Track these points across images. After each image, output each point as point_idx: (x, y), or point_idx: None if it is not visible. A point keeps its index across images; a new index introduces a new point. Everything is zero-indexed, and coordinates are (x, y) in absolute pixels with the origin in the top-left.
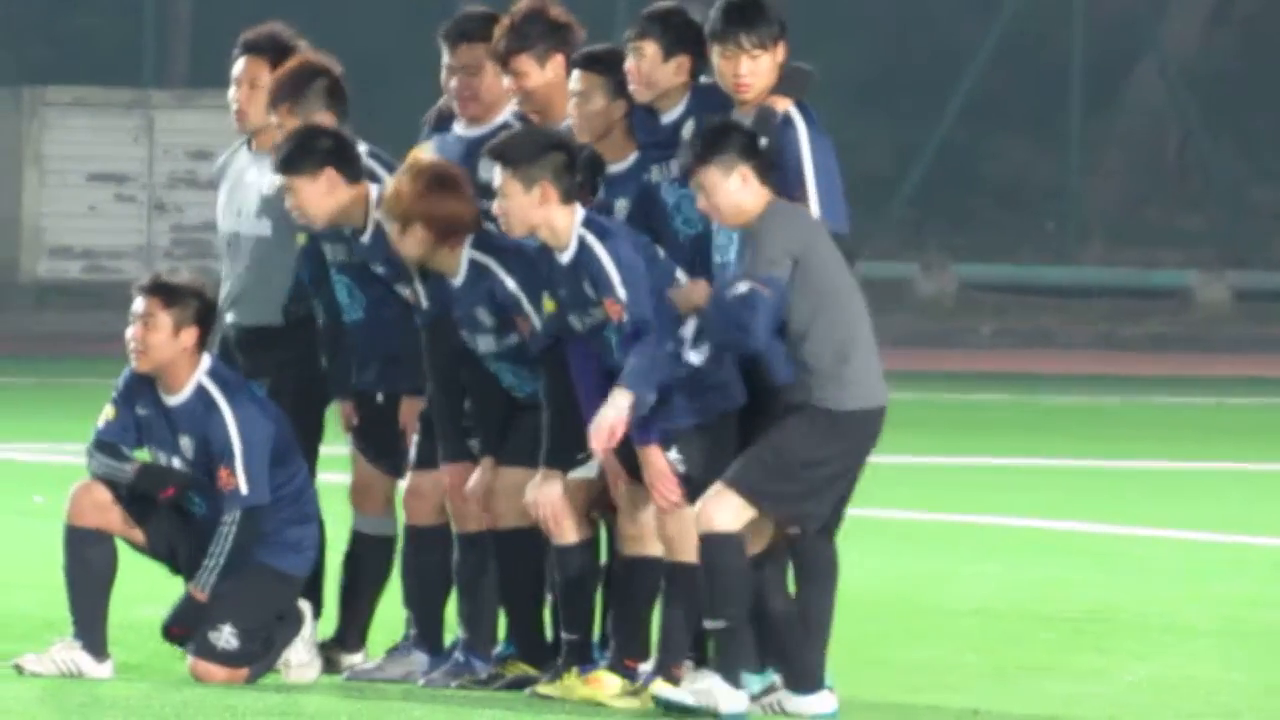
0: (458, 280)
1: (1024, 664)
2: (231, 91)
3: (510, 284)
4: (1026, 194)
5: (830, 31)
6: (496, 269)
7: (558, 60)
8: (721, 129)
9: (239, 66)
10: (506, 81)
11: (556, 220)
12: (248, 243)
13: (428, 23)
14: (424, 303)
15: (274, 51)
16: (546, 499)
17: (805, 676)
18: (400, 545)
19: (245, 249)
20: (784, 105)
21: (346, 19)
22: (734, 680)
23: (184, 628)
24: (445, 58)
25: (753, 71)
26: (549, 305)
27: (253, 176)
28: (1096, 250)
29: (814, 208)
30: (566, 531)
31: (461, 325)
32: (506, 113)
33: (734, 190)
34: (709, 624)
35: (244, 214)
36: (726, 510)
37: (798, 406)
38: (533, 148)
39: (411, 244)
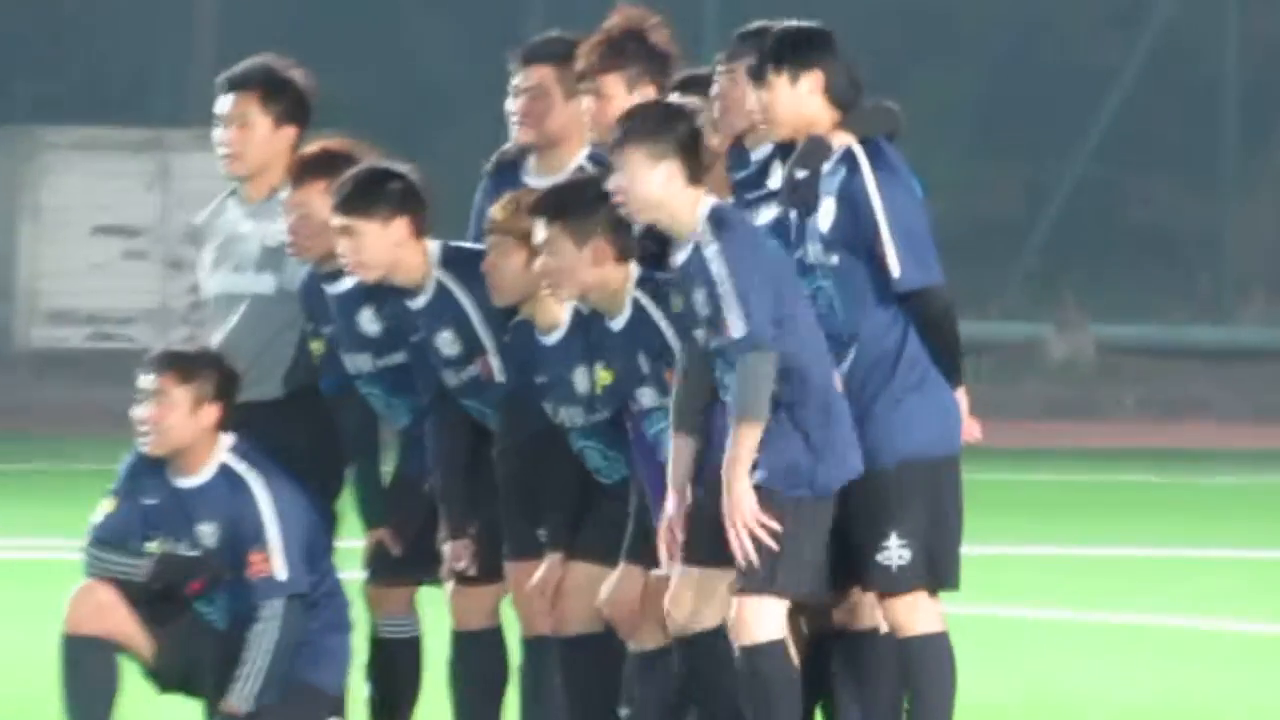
0: (553, 336)
1: None
2: (218, 133)
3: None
4: (1175, 242)
5: (944, 53)
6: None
7: (649, 91)
8: (667, 113)
9: (226, 104)
10: (586, 103)
11: (611, 281)
12: (245, 302)
13: (494, 53)
14: (498, 375)
15: (266, 85)
16: (625, 598)
17: None
18: (449, 653)
19: (241, 309)
20: (843, 140)
21: (399, 46)
22: None
23: None
24: (514, 80)
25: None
26: (604, 375)
27: (249, 228)
28: (1257, 307)
29: (891, 260)
30: (646, 636)
31: (548, 395)
32: (580, 156)
33: (657, 182)
34: None
35: (241, 269)
36: (765, 614)
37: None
38: (585, 198)
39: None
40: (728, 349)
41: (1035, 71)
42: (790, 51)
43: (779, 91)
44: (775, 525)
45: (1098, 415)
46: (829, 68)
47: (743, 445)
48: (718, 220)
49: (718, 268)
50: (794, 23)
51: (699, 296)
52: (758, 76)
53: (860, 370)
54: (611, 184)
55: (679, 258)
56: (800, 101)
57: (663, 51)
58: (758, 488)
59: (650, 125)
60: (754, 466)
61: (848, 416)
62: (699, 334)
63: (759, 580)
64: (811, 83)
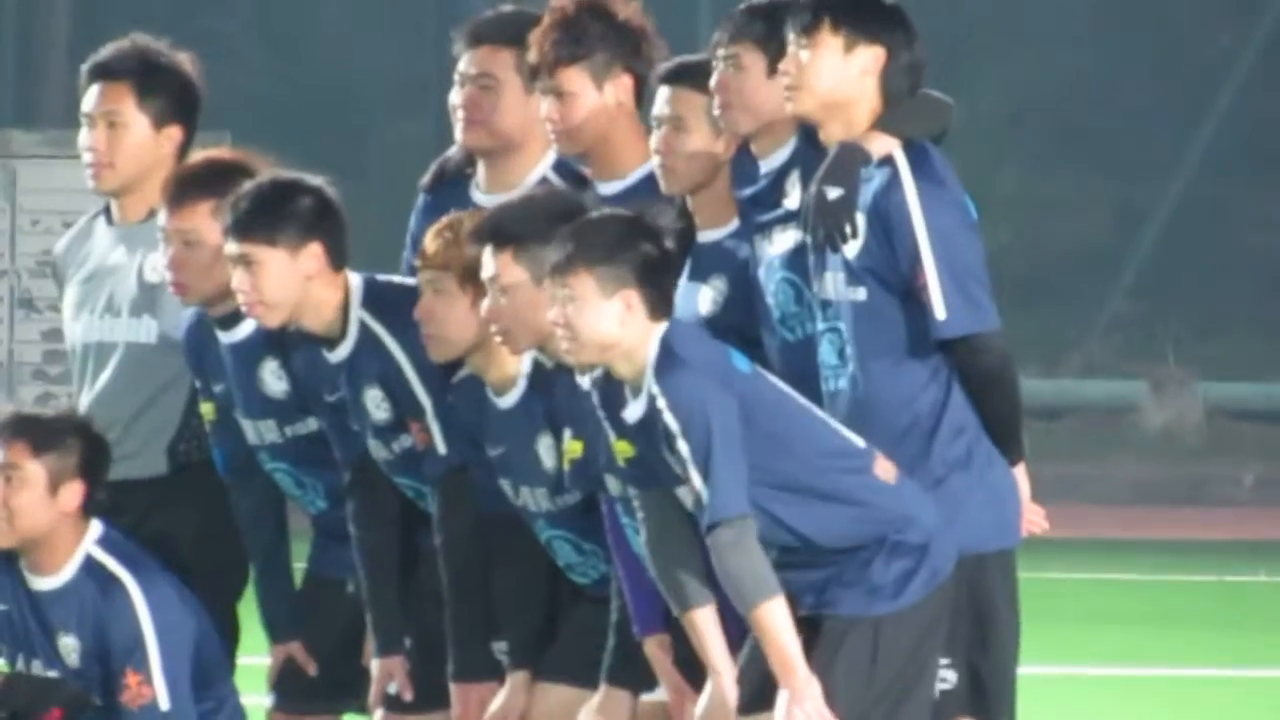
0: (508, 398)
1: None
2: (84, 136)
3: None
4: None
5: (1010, 40)
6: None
7: (624, 83)
8: (629, 229)
9: (92, 99)
10: (545, 107)
11: None
12: (118, 353)
13: (433, 36)
14: (440, 445)
15: (142, 75)
16: None
17: None
18: None
19: (114, 362)
20: (884, 147)
21: (306, 28)
22: None
23: None
24: (459, 65)
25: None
26: (573, 447)
27: (123, 258)
28: None
29: (935, 297)
30: None
31: (505, 472)
32: (543, 166)
33: (609, 318)
34: None
35: (114, 311)
36: None
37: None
38: (546, 220)
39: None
40: None
41: (1125, 65)
42: (857, 14)
43: (825, 56)
44: None
45: (1207, 499)
46: (897, 51)
47: (774, 632)
48: (664, 358)
49: (669, 421)
50: None
51: (669, 455)
52: (806, 30)
53: (885, 441)
54: (552, 315)
55: (633, 411)
56: (847, 77)
57: (634, 27)
58: (820, 619)
59: (605, 245)
60: (817, 592)
61: (918, 503)
62: (683, 492)
63: None
64: (869, 60)
